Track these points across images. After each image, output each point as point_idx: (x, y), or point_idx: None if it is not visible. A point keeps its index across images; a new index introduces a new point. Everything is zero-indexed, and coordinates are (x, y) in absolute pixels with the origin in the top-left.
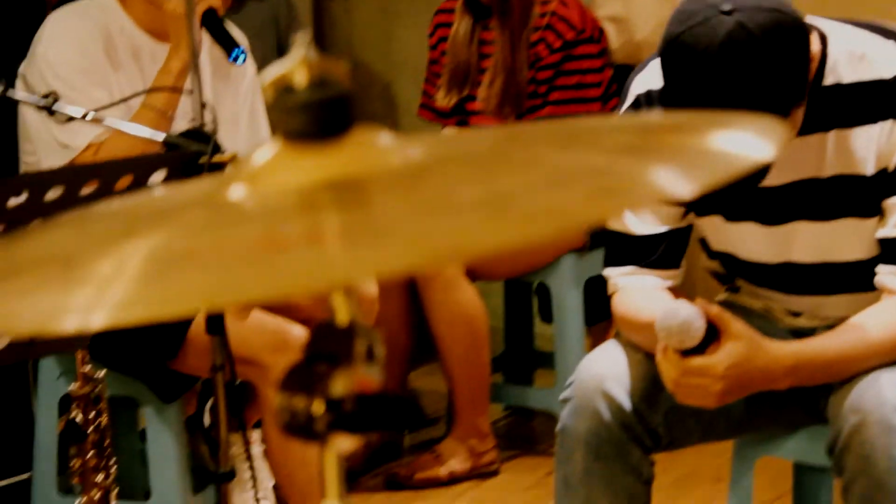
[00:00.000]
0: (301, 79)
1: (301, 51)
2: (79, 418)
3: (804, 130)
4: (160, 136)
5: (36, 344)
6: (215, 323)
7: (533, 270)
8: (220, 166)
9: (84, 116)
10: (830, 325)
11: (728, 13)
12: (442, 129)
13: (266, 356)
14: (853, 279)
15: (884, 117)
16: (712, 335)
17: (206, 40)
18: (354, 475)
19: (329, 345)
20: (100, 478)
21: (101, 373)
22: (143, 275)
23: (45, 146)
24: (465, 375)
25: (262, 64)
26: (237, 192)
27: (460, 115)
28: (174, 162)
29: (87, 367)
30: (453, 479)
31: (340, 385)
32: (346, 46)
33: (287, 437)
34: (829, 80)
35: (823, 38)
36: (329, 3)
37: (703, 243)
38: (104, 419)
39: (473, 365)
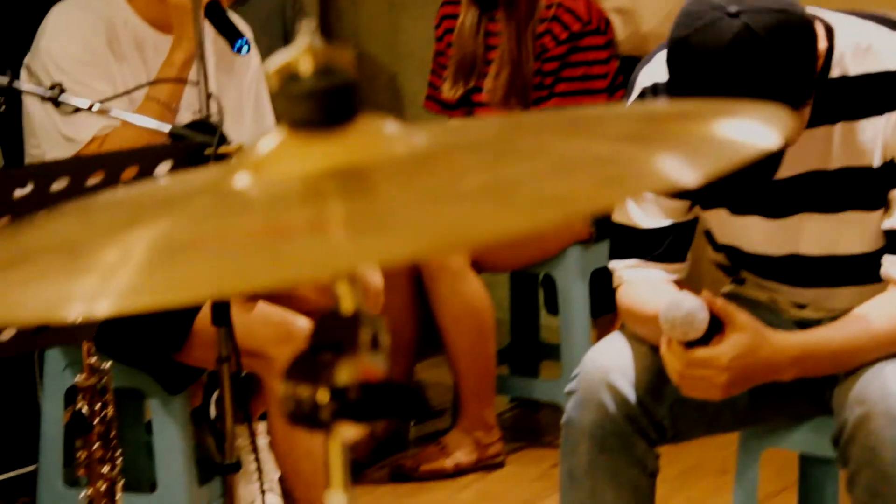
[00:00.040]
0: (306, 67)
1: (306, 38)
2: (84, 410)
3: (810, 123)
4: (166, 128)
5: (41, 335)
6: (221, 314)
7: (539, 262)
8: (225, 157)
9: (90, 108)
10: (836, 317)
11: (735, 15)
12: (448, 122)
13: (271, 348)
14: (859, 271)
15: (890, 109)
16: (716, 327)
17: (209, 32)
18: (360, 467)
19: (334, 333)
20: (105, 469)
21: (107, 364)
22: (147, 263)
23: (49, 139)
24: (470, 367)
25: (268, 56)
26: (242, 180)
27: (466, 107)
28: (180, 153)
29: (93, 359)
30: (459, 471)
31: (345, 373)
32: (353, 38)
33: (292, 427)
34: (835, 72)
35: (829, 31)
36: None
37: (709, 236)
38: (110, 411)
39: (479, 357)
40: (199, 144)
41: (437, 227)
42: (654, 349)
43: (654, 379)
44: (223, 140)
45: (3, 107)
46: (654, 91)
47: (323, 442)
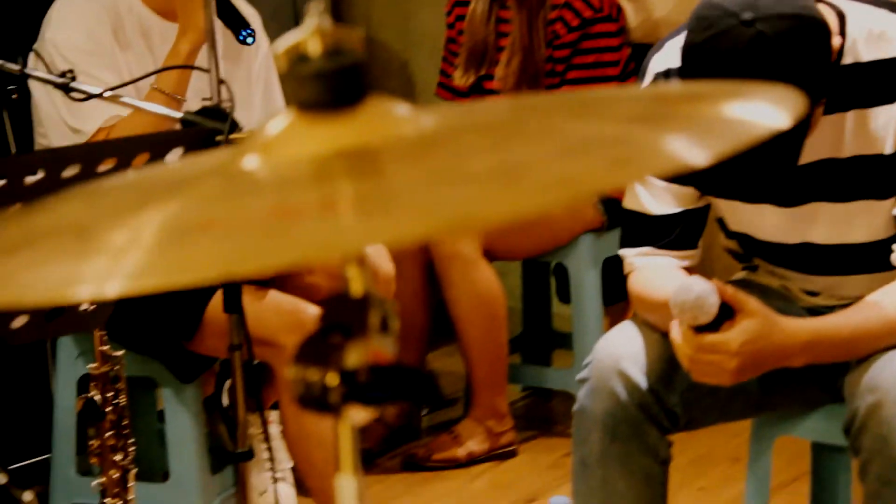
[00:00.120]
0: (315, 48)
1: (314, 19)
2: (97, 398)
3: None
4: (177, 114)
5: (54, 322)
6: (232, 301)
7: (550, 250)
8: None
9: (101, 94)
10: (848, 305)
11: (749, 23)
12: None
13: (282, 337)
14: (871, 260)
15: None
16: (727, 313)
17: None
18: (372, 456)
19: (343, 316)
20: (118, 458)
21: (120, 352)
22: (157, 244)
23: (55, 130)
24: (482, 356)
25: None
26: (251, 162)
27: (478, 95)
28: (191, 139)
29: (106, 347)
30: (471, 460)
31: (354, 356)
32: (365, 25)
33: (302, 410)
34: (847, 59)
35: (841, 17)
36: None
37: (721, 223)
38: (122, 399)
39: (491, 345)
40: (210, 131)
41: (445, 208)
42: (666, 337)
43: (666, 367)
44: (235, 126)
45: (16, 95)
46: (666, 77)
47: (333, 426)
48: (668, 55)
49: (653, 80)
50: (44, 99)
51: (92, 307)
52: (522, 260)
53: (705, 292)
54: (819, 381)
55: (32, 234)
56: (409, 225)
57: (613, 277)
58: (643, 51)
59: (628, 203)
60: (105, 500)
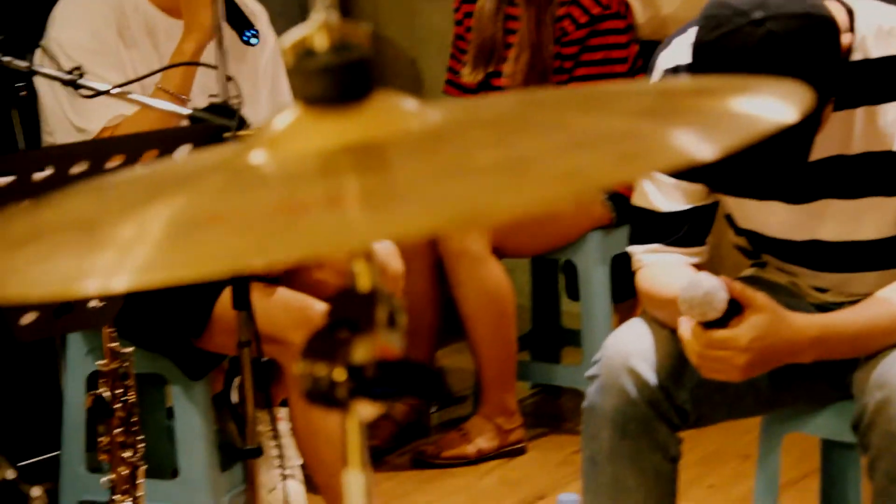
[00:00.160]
0: (321, 42)
1: (321, 14)
2: (106, 395)
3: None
4: (186, 111)
5: (62, 319)
6: (241, 298)
7: (559, 247)
8: None
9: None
10: (857, 301)
11: (759, 22)
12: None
13: (291, 334)
14: (880, 257)
15: None
16: (735, 309)
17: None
18: (381, 453)
19: (350, 311)
20: (127, 454)
21: (129, 349)
22: (164, 238)
23: (60, 129)
24: (492, 353)
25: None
26: (258, 156)
27: (486, 92)
28: (199, 136)
29: (115, 344)
30: (480, 458)
31: (362, 352)
32: (373, 22)
33: (309, 406)
34: (856, 55)
35: (851, 14)
36: None
37: (730, 219)
38: (132, 396)
39: (500, 342)
40: (218, 127)
41: (452, 202)
42: (675, 333)
43: (675, 363)
44: (243, 123)
45: (24, 92)
46: (675, 73)
47: (341, 423)
48: (677, 52)
49: (662, 77)
50: (49, 97)
51: (101, 304)
52: (531, 257)
53: (714, 288)
54: (828, 377)
55: (39, 229)
56: (416, 219)
57: (622, 274)
58: (651, 48)
59: (637, 200)
60: (114, 497)
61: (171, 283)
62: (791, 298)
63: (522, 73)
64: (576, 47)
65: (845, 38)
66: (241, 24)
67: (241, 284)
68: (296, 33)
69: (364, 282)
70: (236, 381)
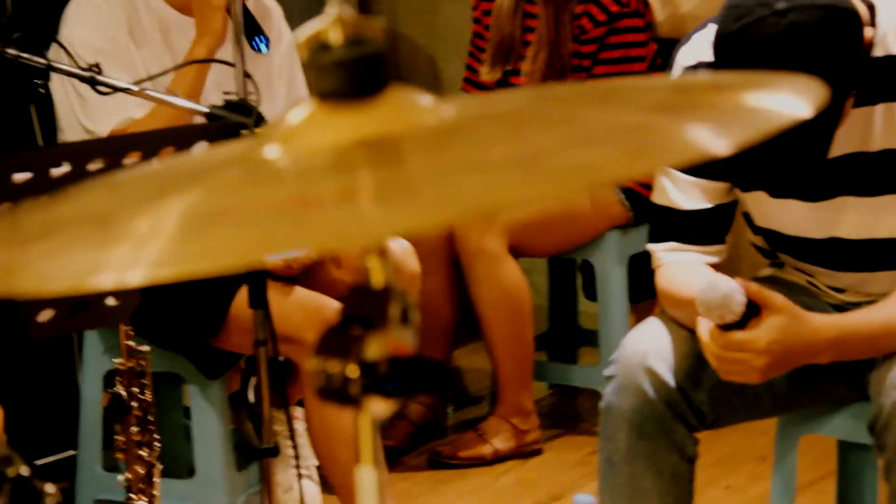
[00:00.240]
0: (336, 37)
1: (335, 8)
2: (123, 393)
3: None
4: (203, 108)
5: (79, 317)
6: (258, 297)
7: (577, 247)
8: None
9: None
10: (874, 301)
11: (782, 13)
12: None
13: (307, 333)
14: None
15: None
16: (753, 311)
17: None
18: (398, 453)
19: (364, 308)
20: (144, 453)
21: (146, 347)
22: (179, 232)
23: (70, 130)
24: (508, 353)
25: None
26: (272, 151)
27: (504, 90)
28: (216, 133)
29: (132, 342)
30: (497, 458)
31: (375, 348)
32: (391, 20)
33: (324, 404)
34: (878, 51)
35: (871, 9)
36: None
37: (747, 218)
38: (148, 394)
39: (517, 342)
40: (235, 125)
41: (465, 196)
42: (694, 333)
43: (693, 364)
44: (261, 120)
45: (43, 89)
46: (695, 69)
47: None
48: (697, 48)
49: (682, 73)
50: (61, 98)
51: (117, 302)
52: (548, 257)
53: (732, 291)
54: (845, 378)
55: (54, 224)
56: (429, 213)
57: (640, 274)
58: (670, 46)
59: (657, 198)
60: (130, 496)
61: (186, 277)
62: (808, 298)
63: (540, 72)
64: (594, 45)
65: (867, 32)
66: (251, 30)
67: (257, 283)
68: (310, 28)
69: (377, 278)
70: (253, 380)
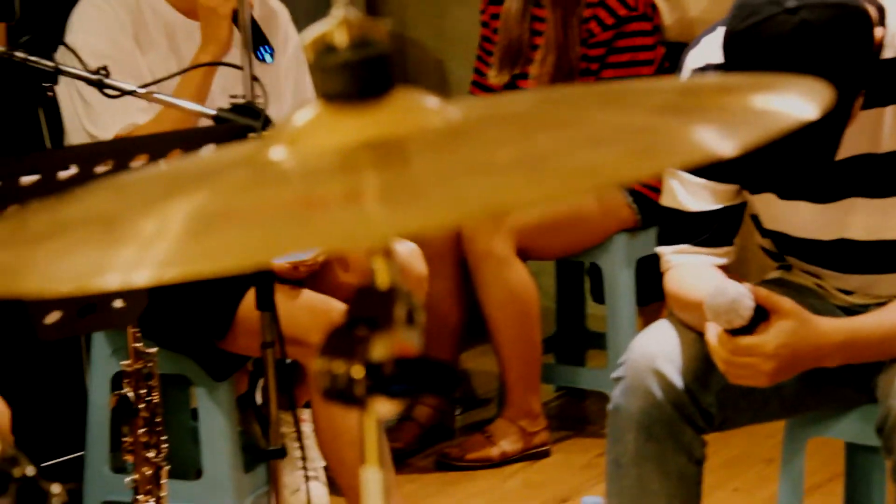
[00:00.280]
0: (341, 38)
1: (341, 10)
2: (130, 395)
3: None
4: (211, 111)
5: (86, 318)
6: (265, 299)
7: (585, 250)
8: None
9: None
10: (883, 303)
11: (792, 11)
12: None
13: (314, 336)
14: None
15: None
16: (762, 316)
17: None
18: (405, 455)
19: (369, 309)
20: (151, 454)
21: (153, 349)
22: (185, 233)
23: (75, 135)
24: (516, 355)
25: None
26: (278, 152)
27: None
28: (223, 136)
29: (139, 344)
30: (504, 460)
31: (380, 349)
32: (399, 23)
33: (330, 405)
34: (887, 53)
35: (881, 10)
36: None
37: (756, 220)
38: (156, 396)
39: (525, 345)
40: (243, 127)
41: (470, 197)
42: (702, 336)
43: (701, 366)
44: (268, 123)
45: (51, 92)
46: (704, 72)
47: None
48: (706, 50)
49: (690, 76)
50: (66, 103)
51: (124, 304)
52: (556, 259)
53: (740, 296)
54: (854, 381)
55: (61, 224)
56: (434, 214)
57: (648, 277)
58: (678, 49)
59: (665, 201)
60: (138, 497)
61: (192, 278)
62: (816, 300)
63: (549, 75)
64: (602, 49)
65: (877, 33)
66: (256, 41)
67: (265, 285)
68: (316, 30)
69: (383, 279)
70: (260, 382)
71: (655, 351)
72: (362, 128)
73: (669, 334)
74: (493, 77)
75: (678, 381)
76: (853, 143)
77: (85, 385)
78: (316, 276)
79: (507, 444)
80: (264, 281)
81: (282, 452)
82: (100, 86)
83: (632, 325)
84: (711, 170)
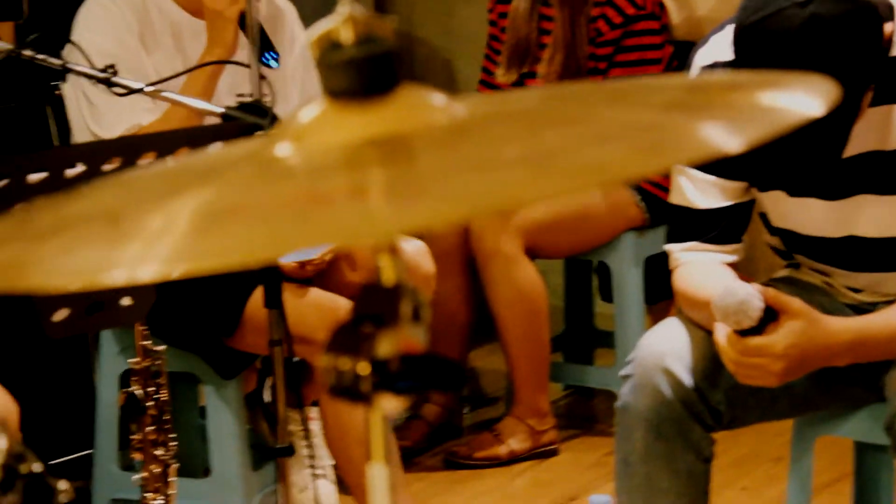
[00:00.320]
0: (347, 35)
1: (346, 7)
2: (139, 392)
3: (869, 103)
4: (219, 109)
5: (94, 316)
6: (273, 297)
7: (593, 248)
8: None
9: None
10: (891, 301)
11: (803, 5)
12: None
13: (321, 334)
14: None
15: None
16: (770, 316)
17: (243, 39)
18: (413, 454)
19: (375, 305)
20: (160, 452)
21: (161, 347)
22: (191, 229)
23: (81, 135)
24: (524, 354)
25: None
26: (283, 149)
27: None
28: (231, 134)
29: (147, 342)
30: (513, 459)
31: (386, 346)
32: (407, 22)
33: (336, 402)
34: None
35: (890, 8)
36: None
37: (764, 218)
38: (164, 394)
39: (533, 343)
40: (251, 125)
41: (475, 193)
42: (711, 334)
43: (710, 364)
44: (275, 121)
45: (59, 91)
46: (712, 70)
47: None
48: (714, 48)
49: (699, 74)
50: (72, 103)
51: (132, 302)
52: (564, 258)
53: (749, 297)
54: (863, 380)
55: (66, 221)
56: (440, 210)
57: (656, 276)
58: (686, 49)
59: (674, 198)
60: (146, 495)
61: (198, 274)
62: (825, 298)
63: (556, 74)
64: (610, 48)
65: (886, 28)
66: (262, 47)
67: (273, 283)
68: (321, 26)
69: (388, 276)
70: (268, 380)
71: (664, 349)
72: (368, 124)
73: (678, 332)
74: (501, 76)
75: (687, 379)
76: (862, 139)
77: (93, 383)
78: (323, 275)
79: (516, 442)
80: (272, 278)
81: (290, 450)
82: (108, 83)
83: (640, 323)
84: (720, 167)
